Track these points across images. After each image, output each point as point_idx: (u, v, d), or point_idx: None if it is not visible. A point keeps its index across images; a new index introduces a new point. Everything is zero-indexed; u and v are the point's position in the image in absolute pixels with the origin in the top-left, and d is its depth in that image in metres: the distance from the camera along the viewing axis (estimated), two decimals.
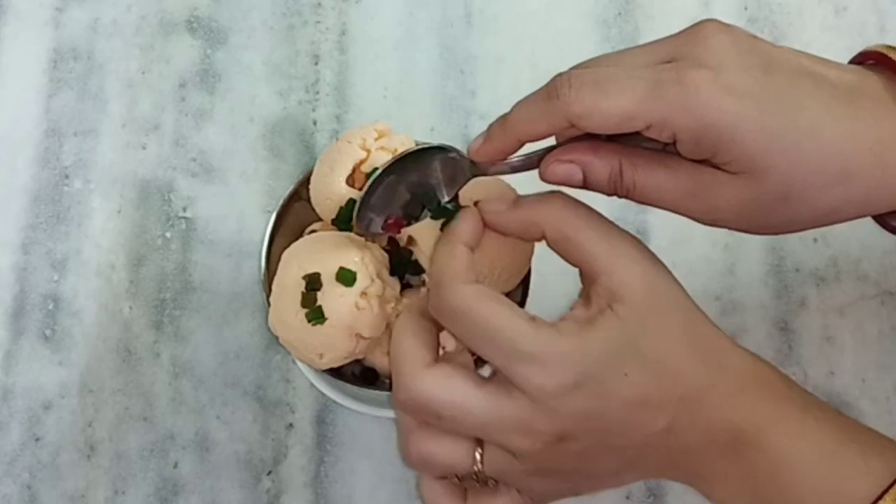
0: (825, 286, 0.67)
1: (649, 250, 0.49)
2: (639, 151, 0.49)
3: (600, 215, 0.50)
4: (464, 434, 0.48)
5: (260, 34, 0.73)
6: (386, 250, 0.56)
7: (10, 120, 0.70)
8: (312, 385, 0.64)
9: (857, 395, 0.65)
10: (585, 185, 0.49)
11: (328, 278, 0.52)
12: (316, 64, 0.72)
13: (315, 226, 0.59)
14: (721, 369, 0.48)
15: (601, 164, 0.49)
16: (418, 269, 0.55)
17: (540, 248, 0.56)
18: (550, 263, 0.62)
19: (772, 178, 0.46)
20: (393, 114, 0.71)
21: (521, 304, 0.57)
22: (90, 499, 0.62)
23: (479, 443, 0.48)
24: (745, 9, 0.74)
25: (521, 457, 0.47)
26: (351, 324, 0.52)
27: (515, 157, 0.50)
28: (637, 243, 0.49)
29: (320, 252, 0.53)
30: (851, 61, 0.52)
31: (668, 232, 0.68)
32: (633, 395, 0.46)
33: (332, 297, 0.52)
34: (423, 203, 0.52)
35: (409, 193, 0.52)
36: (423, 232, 0.54)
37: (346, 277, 0.52)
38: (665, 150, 0.48)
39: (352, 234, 0.55)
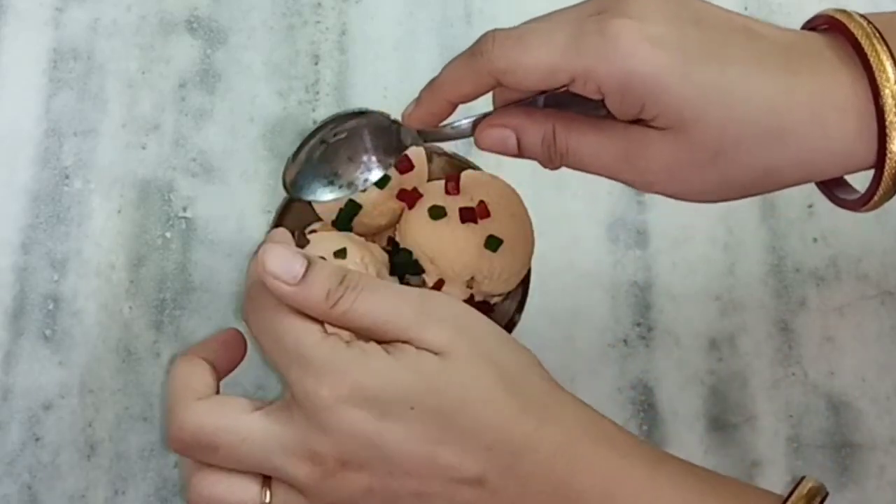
0: (825, 286, 0.67)
1: (460, 304, 0.46)
2: (573, 116, 0.47)
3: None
4: (247, 470, 0.44)
5: (260, 34, 0.73)
6: (386, 250, 0.56)
7: (10, 120, 0.70)
8: None
9: (857, 395, 0.65)
10: (520, 152, 0.48)
11: None
12: (316, 64, 0.72)
13: (315, 226, 0.59)
14: (546, 420, 0.43)
15: (534, 127, 0.47)
16: (418, 269, 0.55)
17: (540, 248, 0.57)
18: (550, 263, 0.63)
19: (701, 131, 0.44)
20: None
21: (522, 303, 0.57)
22: (90, 499, 0.62)
23: (268, 482, 0.44)
24: (746, 9, 0.74)
25: (308, 491, 0.43)
26: None
27: (452, 124, 0.49)
28: (446, 299, 0.46)
29: (320, 252, 0.53)
30: (804, 27, 0.50)
31: (668, 232, 0.68)
32: (420, 430, 0.42)
33: None
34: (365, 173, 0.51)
35: (349, 161, 0.51)
36: (411, 223, 0.54)
37: None
38: (605, 117, 0.47)
39: (352, 235, 0.55)
